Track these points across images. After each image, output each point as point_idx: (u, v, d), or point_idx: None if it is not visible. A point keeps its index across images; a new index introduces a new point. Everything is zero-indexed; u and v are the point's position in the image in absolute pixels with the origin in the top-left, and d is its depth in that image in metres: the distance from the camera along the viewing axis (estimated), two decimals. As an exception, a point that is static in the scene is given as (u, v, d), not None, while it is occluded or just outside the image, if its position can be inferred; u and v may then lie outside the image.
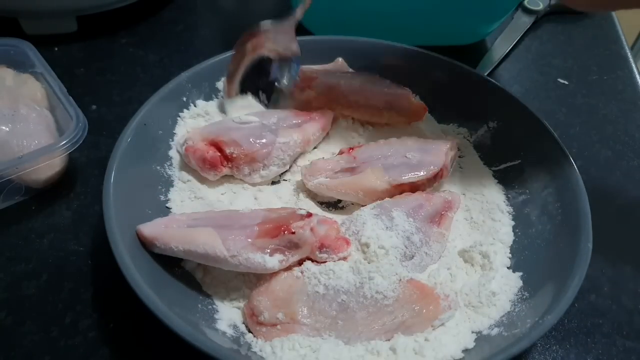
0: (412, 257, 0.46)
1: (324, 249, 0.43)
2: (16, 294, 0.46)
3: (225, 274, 0.45)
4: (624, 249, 0.53)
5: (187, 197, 0.51)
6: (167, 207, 0.50)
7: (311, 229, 0.42)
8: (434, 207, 0.49)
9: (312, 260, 0.44)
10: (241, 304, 0.44)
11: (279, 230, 0.42)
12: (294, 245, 0.42)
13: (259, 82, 0.58)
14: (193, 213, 0.47)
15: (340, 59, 0.62)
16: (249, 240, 0.42)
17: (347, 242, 0.45)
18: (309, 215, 0.44)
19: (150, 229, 0.44)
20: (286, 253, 0.42)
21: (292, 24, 0.57)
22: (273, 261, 0.42)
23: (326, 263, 0.43)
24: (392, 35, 0.62)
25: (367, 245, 0.45)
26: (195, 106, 0.57)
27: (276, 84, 0.57)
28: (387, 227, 0.46)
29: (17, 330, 0.43)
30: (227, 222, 0.44)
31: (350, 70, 0.61)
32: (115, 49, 0.72)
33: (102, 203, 0.43)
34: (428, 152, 0.52)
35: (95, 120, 0.61)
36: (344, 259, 0.44)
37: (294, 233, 0.42)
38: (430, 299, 0.42)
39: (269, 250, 0.42)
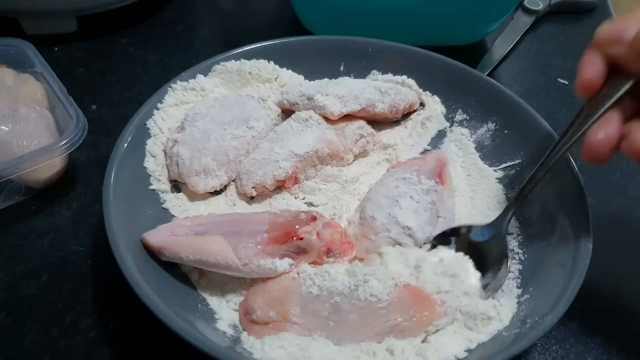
0: (438, 216, 0.48)
1: (331, 254, 0.44)
2: (16, 294, 0.46)
3: (221, 277, 0.44)
4: (624, 249, 0.53)
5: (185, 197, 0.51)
6: (164, 207, 0.50)
7: (317, 234, 0.43)
8: (428, 166, 0.51)
9: (312, 263, 0.44)
10: (238, 306, 0.44)
11: (287, 237, 0.43)
12: (302, 251, 0.43)
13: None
14: (196, 217, 0.47)
15: None
16: (259, 247, 0.43)
17: (352, 246, 0.46)
18: (314, 218, 0.44)
19: (156, 237, 0.43)
20: (295, 258, 0.43)
21: None
22: (284, 264, 0.43)
23: (323, 265, 0.44)
24: (392, 35, 0.62)
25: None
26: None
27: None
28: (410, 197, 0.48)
29: (17, 330, 0.43)
30: (235, 228, 0.44)
31: None
32: (115, 49, 0.72)
33: (102, 203, 0.43)
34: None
35: (95, 120, 0.61)
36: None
37: (302, 239, 0.43)
38: (426, 304, 0.42)
39: (278, 256, 0.43)
